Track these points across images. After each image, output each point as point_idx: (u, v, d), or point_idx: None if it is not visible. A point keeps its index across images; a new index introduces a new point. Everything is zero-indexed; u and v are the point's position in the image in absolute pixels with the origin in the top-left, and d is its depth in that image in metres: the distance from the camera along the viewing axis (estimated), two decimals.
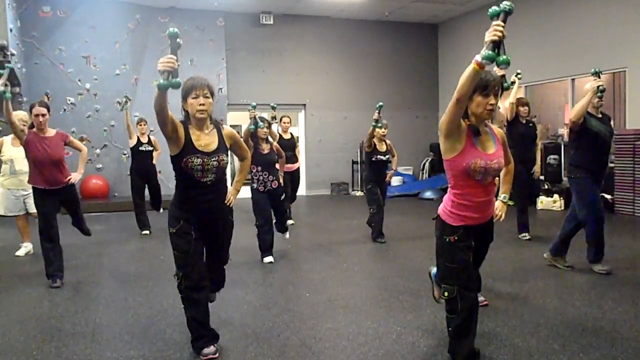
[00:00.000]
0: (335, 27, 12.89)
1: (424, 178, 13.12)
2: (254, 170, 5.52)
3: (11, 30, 8.23)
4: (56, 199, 4.81)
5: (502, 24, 2.22)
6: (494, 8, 2.29)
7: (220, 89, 11.69)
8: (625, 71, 9.05)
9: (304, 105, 12.86)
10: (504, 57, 2.25)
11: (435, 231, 2.82)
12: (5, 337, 3.60)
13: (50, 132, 4.79)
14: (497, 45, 2.24)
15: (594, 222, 4.82)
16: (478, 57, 2.24)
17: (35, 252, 6.20)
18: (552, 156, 9.73)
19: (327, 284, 4.84)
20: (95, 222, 8.56)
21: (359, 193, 12.87)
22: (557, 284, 4.59)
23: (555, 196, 9.33)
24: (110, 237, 7.32)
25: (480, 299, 3.63)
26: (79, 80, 10.73)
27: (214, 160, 3.00)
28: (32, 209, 6.02)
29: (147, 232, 7.47)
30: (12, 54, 8.12)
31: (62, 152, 4.75)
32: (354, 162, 13.10)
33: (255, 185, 5.56)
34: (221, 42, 11.85)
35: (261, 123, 5.49)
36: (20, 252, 6.16)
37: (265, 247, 5.65)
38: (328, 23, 12.81)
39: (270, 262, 5.58)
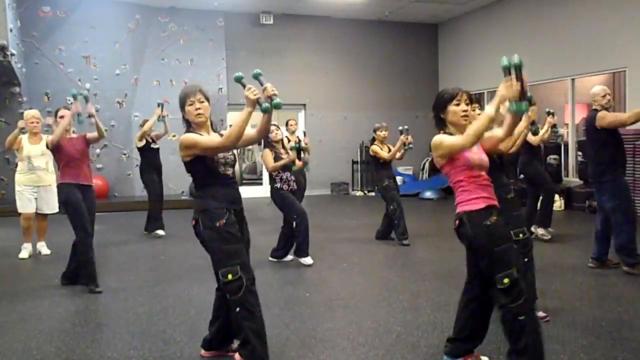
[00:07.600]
0: (335, 27, 12.89)
1: (424, 178, 13.12)
2: (278, 171, 5.55)
3: (11, 30, 8.23)
4: (82, 197, 4.83)
5: (511, 79, 2.65)
6: (506, 63, 2.67)
7: (220, 89, 11.69)
8: (625, 71, 9.05)
9: (304, 105, 12.85)
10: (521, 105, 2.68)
11: (464, 239, 2.75)
12: (5, 337, 3.60)
13: (73, 135, 5.11)
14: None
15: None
16: (491, 111, 2.63)
17: (35, 253, 6.20)
18: (552, 156, 9.72)
19: (327, 284, 4.85)
20: (95, 222, 8.53)
21: (359, 193, 12.88)
22: (556, 285, 4.58)
23: (556, 196, 9.31)
24: (110, 237, 7.31)
25: (541, 314, 3.51)
26: (79, 80, 10.70)
27: (230, 154, 3.11)
28: (42, 209, 6.07)
29: (162, 232, 7.39)
30: (12, 54, 8.12)
31: (86, 147, 5.07)
32: (354, 162, 13.10)
33: (279, 185, 5.52)
34: (221, 42, 11.84)
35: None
36: (24, 255, 6.06)
37: (306, 246, 5.54)
38: (328, 23, 12.81)
39: (311, 265, 5.47)
